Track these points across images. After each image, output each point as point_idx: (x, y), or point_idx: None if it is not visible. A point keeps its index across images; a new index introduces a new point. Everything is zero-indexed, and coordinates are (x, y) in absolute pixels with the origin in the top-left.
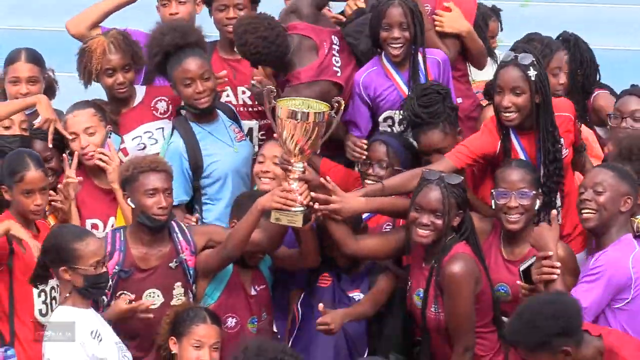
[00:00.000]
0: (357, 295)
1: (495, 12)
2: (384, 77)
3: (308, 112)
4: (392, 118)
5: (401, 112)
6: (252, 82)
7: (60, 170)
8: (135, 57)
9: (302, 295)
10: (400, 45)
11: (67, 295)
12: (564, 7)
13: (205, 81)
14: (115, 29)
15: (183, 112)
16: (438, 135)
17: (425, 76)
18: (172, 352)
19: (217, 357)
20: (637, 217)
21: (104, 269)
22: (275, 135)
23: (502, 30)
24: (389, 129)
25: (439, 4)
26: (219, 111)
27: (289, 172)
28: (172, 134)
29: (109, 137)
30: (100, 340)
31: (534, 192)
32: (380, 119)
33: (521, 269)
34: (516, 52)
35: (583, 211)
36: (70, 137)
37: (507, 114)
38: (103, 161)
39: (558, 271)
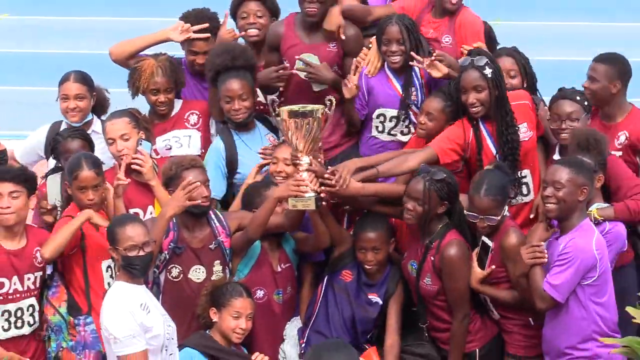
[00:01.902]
0: (374, 298)
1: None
2: (384, 78)
3: (306, 111)
4: (384, 115)
5: (398, 110)
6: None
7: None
8: (178, 81)
9: (325, 279)
10: (398, 57)
11: (118, 272)
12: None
13: (242, 100)
14: (166, 54)
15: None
16: None
17: (420, 80)
18: (213, 320)
19: (251, 325)
20: (592, 208)
21: (141, 253)
22: (282, 137)
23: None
24: (380, 125)
25: (458, 35)
26: (257, 122)
27: (298, 165)
28: (216, 138)
29: (140, 144)
30: (148, 312)
31: (499, 216)
32: (374, 115)
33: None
34: (472, 57)
35: (546, 204)
36: (109, 141)
37: (474, 109)
38: (138, 164)
39: (544, 260)
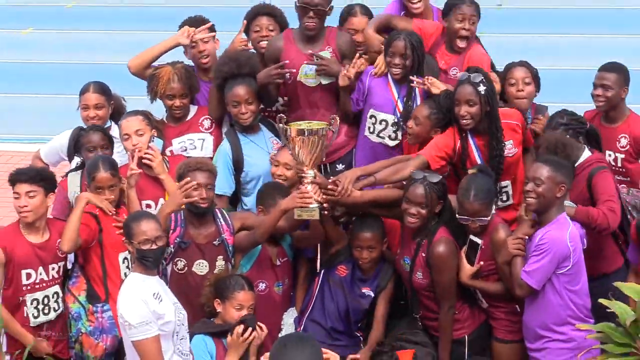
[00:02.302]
0: (367, 291)
1: None
2: (385, 82)
3: (312, 129)
4: (375, 117)
5: (393, 116)
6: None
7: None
8: (192, 87)
9: (322, 273)
10: (399, 70)
11: (133, 264)
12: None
13: (248, 105)
14: (182, 62)
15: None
16: None
17: (416, 92)
18: (217, 310)
19: None
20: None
21: (153, 247)
22: (289, 152)
23: None
24: (371, 127)
25: (465, 69)
26: (262, 126)
27: (303, 178)
28: (224, 140)
29: (153, 141)
30: (160, 300)
31: (489, 216)
32: (368, 115)
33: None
34: (469, 73)
35: (527, 198)
36: (124, 137)
37: (464, 121)
38: (148, 159)
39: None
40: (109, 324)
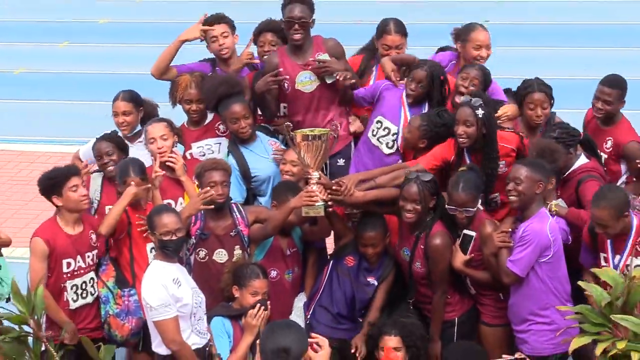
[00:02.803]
0: (372, 280)
1: None
2: (399, 95)
3: (315, 134)
4: (381, 122)
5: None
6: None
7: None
8: None
9: (331, 263)
10: (414, 95)
11: (157, 252)
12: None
13: (246, 119)
14: (199, 72)
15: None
16: None
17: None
18: (235, 296)
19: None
20: (553, 202)
21: (173, 238)
22: (295, 156)
23: None
24: (375, 130)
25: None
26: (258, 132)
27: (309, 179)
28: (228, 155)
29: (175, 146)
30: (179, 285)
31: (475, 207)
32: (375, 119)
33: (465, 232)
34: (472, 96)
35: (509, 196)
36: (150, 141)
37: (461, 139)
38: (171, 162)
39: (510, 244)
40: (135, 307)
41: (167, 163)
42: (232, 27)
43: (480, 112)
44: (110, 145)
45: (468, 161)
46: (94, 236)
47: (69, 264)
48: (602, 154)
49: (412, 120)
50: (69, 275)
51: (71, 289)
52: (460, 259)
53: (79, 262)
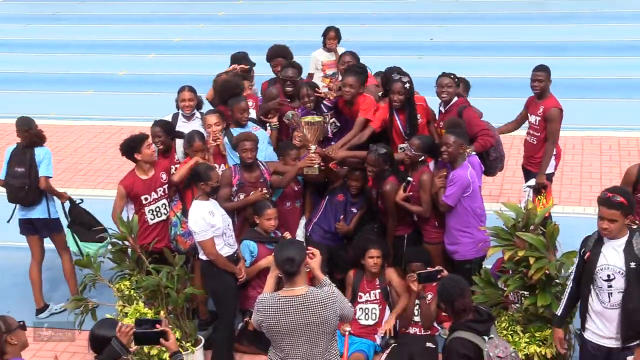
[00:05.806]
0: (354, 209)
1: None
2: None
3: (314, 121)
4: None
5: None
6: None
7: (167, 142)
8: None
9: (326, 197)
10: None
11: (199, 195)
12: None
13: (246, 112)
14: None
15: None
16: None
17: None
18: (256, 222)
19: (277, 222)
20: (468, 149)
21: (217, 185)
22: (299, 134)
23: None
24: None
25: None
26: (249, 122)
27: (309, 150)
28: (224, 136)
29: (223, 132)
30: (213, 215)
31: (419, 154)
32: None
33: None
34: (399, 74)
35: (442, 155)
36: (208, 126)
37: (395, 104)
38: (219, 141)
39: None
40: None
41: (217, 141)
42: (252, 69)
43: (407, 85)
44: (161, 130)
45: (397, 118)
46: (164, 175)
47: (146, 199)
48: (536, 117)
49: (347, 80)
50: (146, 204)
51: (149, 212)
52: (400, 196)
53: (153, 195)
